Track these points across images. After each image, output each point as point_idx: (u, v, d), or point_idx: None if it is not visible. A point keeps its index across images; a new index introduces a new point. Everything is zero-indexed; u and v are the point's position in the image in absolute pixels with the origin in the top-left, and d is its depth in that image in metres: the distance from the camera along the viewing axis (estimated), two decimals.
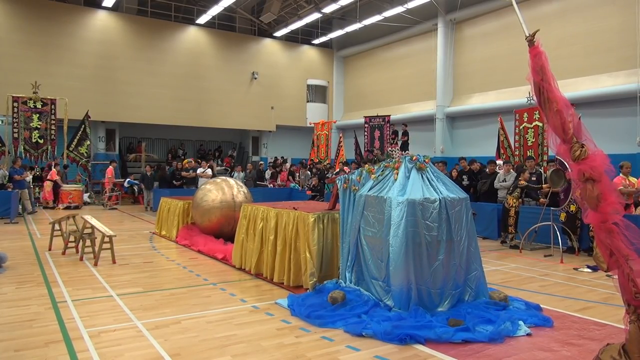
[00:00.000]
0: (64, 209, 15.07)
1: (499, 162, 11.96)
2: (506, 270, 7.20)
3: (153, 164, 18.16)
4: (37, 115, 15.67)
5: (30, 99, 15.58)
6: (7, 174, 13.82)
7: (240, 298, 5.46)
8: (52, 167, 16.07)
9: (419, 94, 21.43)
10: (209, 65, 23.06)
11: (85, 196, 17.04)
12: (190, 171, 15.94)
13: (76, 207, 15.35)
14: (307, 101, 26.16)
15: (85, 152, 16.96)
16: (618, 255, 2.89)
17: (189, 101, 22.35)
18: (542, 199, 9.21)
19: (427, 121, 20.46)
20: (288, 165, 20.38)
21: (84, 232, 7.64)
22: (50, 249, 8.17)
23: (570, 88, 14.12)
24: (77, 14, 20.15)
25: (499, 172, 10.83)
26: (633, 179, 8.66)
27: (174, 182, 15.86)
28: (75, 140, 16.72)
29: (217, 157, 25.07)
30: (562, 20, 15.88)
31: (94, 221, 7.56)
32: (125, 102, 20.84)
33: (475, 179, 11.54)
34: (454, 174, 11.81)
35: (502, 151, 12.62)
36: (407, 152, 5.57)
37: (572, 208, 8.37)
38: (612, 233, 2.90)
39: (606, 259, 2.97)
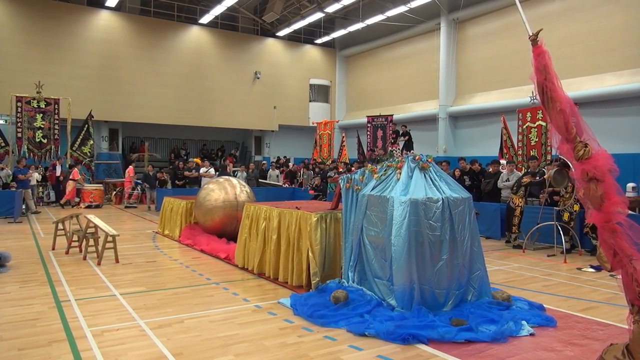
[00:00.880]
0: (85, 207, 15.47)
1: (502, 161, 11.94)
2: (509, 270, 7.19)
3: (160, 163, 18.22)
4: (41, 114, 15.73)
5: (34, 99, 15.64)
6: (11, 173, 13.88)
7: (242, 297, 5.46)
8: (73, 166, 16.38)
9: (421, 93, 21.41)
10: (212, 64, 23.09)
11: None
12: (193, 171, 15.99)
13: (97, 206, 15.81)
14: (310, 101, 26.18)
15: (89, 151, 17.03)
16: (621, 255, 2.88)
17: (192, 101, 22.39)
18: (541, 195, 9.22)
19: (429, 121, 20.43)
20: (291, 164, 20.38)
21: (87, 231, 7.66)
22: (53, 249, 8.19)
23: (573, 87, 14.07)
24: (80, 13, 20.21)
25: (502, 172, 10.80)
26: None
27: (176, 181, 15.92)
28: (79, 139, 16.79)
29: (220, 157, 25.13)
30: (565, 20, 15.84)
31: (97, 220, 7.58)
32: (128, 102, 20.90)
33: (476, 179, 11.52)
34: (457, 173, 11.79)
35: (505, 151, 12.59)
36: (412, 151, 5.57)
37: (576, 208, 8.35)
38: (615, 233, 2.89)
39: (610, 259, 2.96)
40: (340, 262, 5.63)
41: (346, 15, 23.40)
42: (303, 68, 25.75)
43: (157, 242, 9.39)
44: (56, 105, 15.99)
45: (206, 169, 15.70)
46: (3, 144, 14.99)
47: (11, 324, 4.44)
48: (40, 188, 16.40)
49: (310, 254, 5.63)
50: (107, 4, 19.90)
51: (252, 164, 19.63)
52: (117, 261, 7.26)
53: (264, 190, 15.37)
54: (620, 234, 2.88)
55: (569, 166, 8.34)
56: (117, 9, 20.75)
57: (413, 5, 19.38)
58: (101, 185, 16.83)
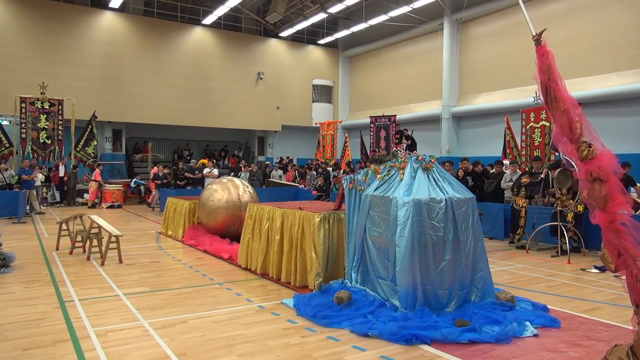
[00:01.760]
0: (107, 207, 15.98)
1: (506, 162, 11.91)
2: (513, 271, 7.17)
3: (164, 163, 18.27)
4: (45, 115, 15.78)
5: (38, 100, 15.69)
6: (15, 173, 13.93)
7: (246, 298, 5.47)
8: (95, 168, 16.71)
9: (424, 93, 21.37)
10: (215, 65, 23.13)
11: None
12: (196, 172, 16.02)
13: (119, 206, 16.36)
14: (313, 101, 26.17)
15: (92, 152, 17.07)
16: (626, 256, 2.87)
17: (195, 101, 22.43)
18: (538, 195, 9.21)
19: (433, 121, 20.40)
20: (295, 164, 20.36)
21: (91, 232, 7.69)
22: (57, 249, 8.22)
23: (577, 87, 14.03)
24: (83, 15, 20.28)
25: (505, 173, 10.78)
26: None
27: (178, 182, 15.96)
28: (83, 140, 16.84)
29: (223, 158, 25.17)
30: (569, 19, 15.79)
31: (100, 221, 7.61)
32: (131, 103, 20.95)
33: (479, 180, 11.49)
34: (460, 173, 11.77)
35: (508, 151, 12.56)
36: (414, 152, 5.56)
37: (580, 208, 8.32)
38: (619, 233, 2.88)
39: (614, 260, 2.95)
40: (344, 263, 5.63)
41: (349, 16, 23.40)
42: (306, 68, 25.76)
43: (160, 243, 9.41)
44: (60, 106, 16.04)
45: (209, 169, 15.72)
46: (7, 145, 15.05)
47: (15, 324, 4.46)
48: (44, 188, 16.48)
49: (313, 254, 5.63)
50: (110, 5, 19.96)
51: (254, 164, 19.61)
52: (120, 261, 7.28)
53: (267, 191, 15.39)
54: (625, 234, 2.87)
55: (559, 166, 8.36)
56: (120, 10, 20.80)
57: (416, 5, 19.37)
58: (120, 185, 17.25)
